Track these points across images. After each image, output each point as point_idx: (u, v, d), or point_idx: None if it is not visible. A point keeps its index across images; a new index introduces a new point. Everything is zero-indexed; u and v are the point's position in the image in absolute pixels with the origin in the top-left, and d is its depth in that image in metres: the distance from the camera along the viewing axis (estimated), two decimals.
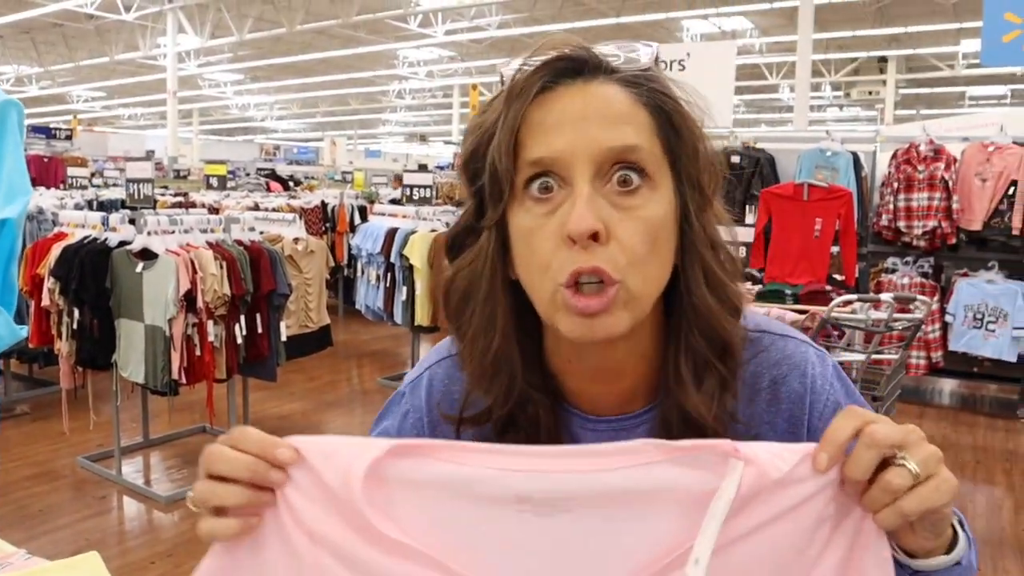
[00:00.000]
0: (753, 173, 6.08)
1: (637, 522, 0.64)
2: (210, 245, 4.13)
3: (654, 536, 0.64)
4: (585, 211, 0.69)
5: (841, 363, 3.84)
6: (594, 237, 0.69)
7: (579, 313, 0.71)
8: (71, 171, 9.79)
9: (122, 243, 4.14)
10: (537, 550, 0.64)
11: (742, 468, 0.62)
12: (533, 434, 0.80)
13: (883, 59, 18.35)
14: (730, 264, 0.79)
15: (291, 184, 13.86)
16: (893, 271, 5.95)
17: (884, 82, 18.74)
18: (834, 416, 0.65)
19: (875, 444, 0.61)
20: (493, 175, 0.73)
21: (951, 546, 0.68)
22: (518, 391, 0.79)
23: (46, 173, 10.69)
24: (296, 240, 5.33)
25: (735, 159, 6.09)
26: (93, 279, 4.04)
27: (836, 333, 4.67)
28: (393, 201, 8.58)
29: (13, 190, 0.64)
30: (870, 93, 18.84)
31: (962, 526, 0.70)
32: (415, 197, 6.71)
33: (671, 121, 0.75)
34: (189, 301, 3.90)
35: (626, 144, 0.71)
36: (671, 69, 6.57)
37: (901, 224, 5.78)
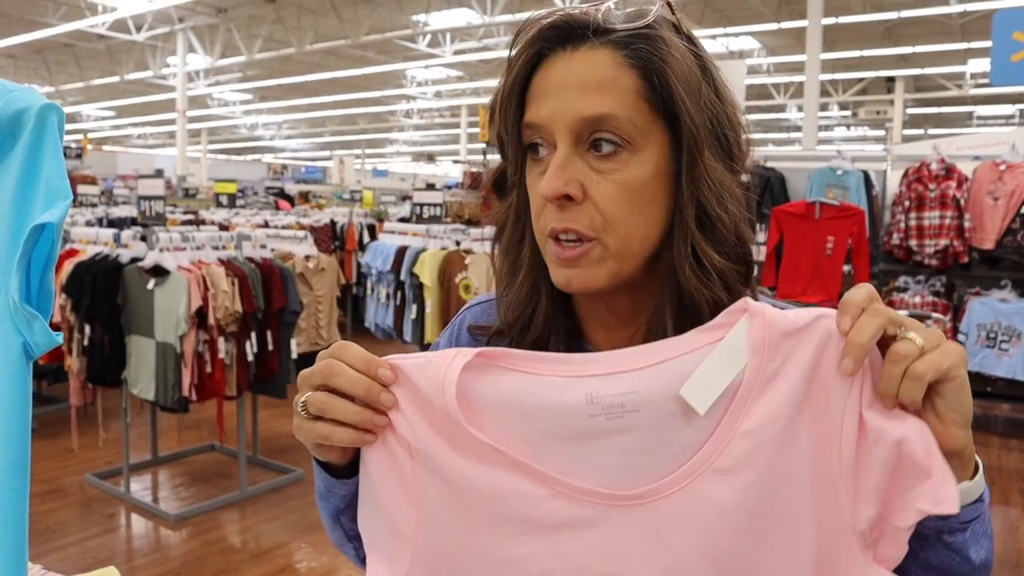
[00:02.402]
0: (763, 192, 6.07)
1: (692, 415, 0.70)
2: (222, 262, 4.13)
3: (709, 426, 0.70)
4: (553, 176, 0.74)
5: None
6: (568, 197, 0.75)
7: (560, 262, 0.78)
8: (81, 189, 9.83)
9: (134, 260, 4.14)
10: (610, 449, 0.71)
11: (747, 319, 0.69)
12: None
13: (891, 79, 18.39)
14: (724, 225, 0.78)
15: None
16: (905, 290, 5.92)
17: (892, 102, 18.76)
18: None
19: (879, 313, 0.66)
20: (499, 137, 0.82)
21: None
22: (539, 325, 0.85)
23: None
24: (307, 257, 5.33)
25: (744, 178, 6.07)
26: (105, 296, 4.05)
27: None
28: (402, 220, 8.59)
29: (53, 194, 0.63)
30: (878, 113, 18.86)
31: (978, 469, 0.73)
32: (425, 216, 6.72)
33: (663, 81, 0.74)
34: (200, 318, 3.90)
35: (599, 114, 0.74)
36: None
37: (913, 243, 5.75)
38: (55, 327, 4.18)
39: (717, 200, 0.78)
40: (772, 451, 0.69)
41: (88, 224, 6.76)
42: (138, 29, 16.45)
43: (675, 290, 0.78)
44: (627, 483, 0.71)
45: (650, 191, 0.76)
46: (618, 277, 0.78)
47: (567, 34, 0.76)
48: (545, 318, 0.85)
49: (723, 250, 0.79)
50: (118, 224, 7.20)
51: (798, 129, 20.84)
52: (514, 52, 0.78)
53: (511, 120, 0.79)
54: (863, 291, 0.68)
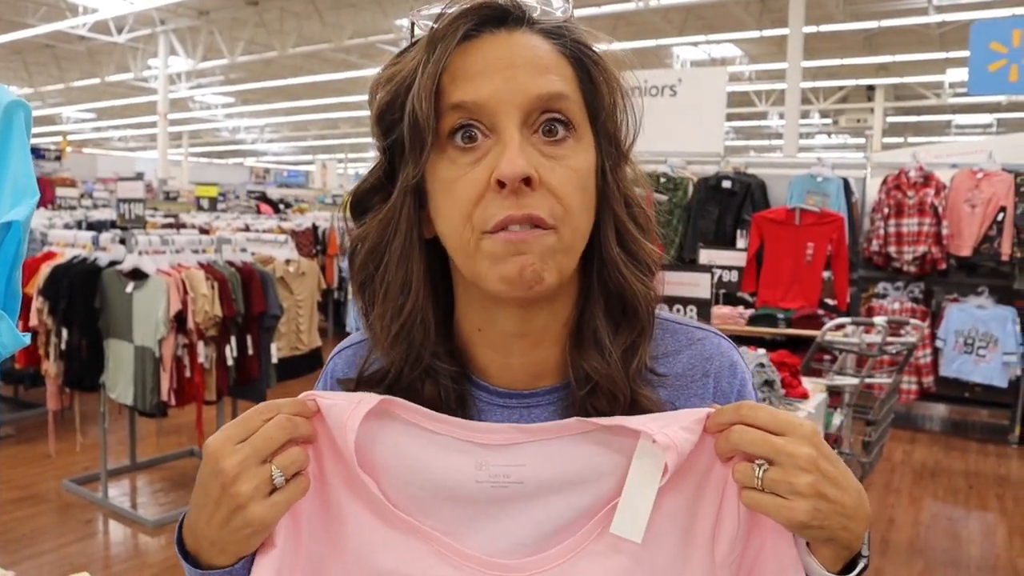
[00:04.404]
0: (744, 198, 6.10)
1: (576, 495, 0.70)
2: (201, 266, 4.10)
3: (591, 507, 0.71)
4: (516, 155, 0.67)
5: (834, 387, 3.84)
6: (526, 182, 0.67)
7: (508, 248, 0.68)
8: (60, 192, 9.76)
9: (112, 263, 4.10)
10: (495, 517, 0.71)
11: (663, 457, 0.66)
12: (435, 407, 0.74)
13: (871, 87, 18.53)
14: (644, 220, 0.78)
15: (281, 207, 13.84)
16: (884, 296, 5.97)
17: (872, 110, 18.92)
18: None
19: (744, 441, 0.66)
20: (413, 123, 0.70)
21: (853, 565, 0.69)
22: (426, 359, 0.76)
23: None
24: (288, 262, 5.31)
25: (726, 184, 6.11)
26: (82, 299, 4.01)
27: (828, 357, 4.67)
28: None
29: (19, 192, 0.62)
30: (858, 121, 19.01)
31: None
32: None
33: (590, 74, 0.74)
34: (179, 322, 3.87)
35: (554, 91, 0.70)
36: (663, 95, 6.61)
37: (892, 249, 5.80)
38: (32, 330, 4.14)
39: (641, 198, 0.78)
40: (648, 540, 0.68)
41: (67, 227, 6.69)
42: (119, 31, 16.31)
43: (604, 291, 0.76)
44: (507, 552, 0.71)
45: (590, 183, 0.73)
46: (563, 277, 0.71)
47: (503, 16, 0.72)
48: (433, 352, 0.76)
49: (650, 244, 0.78)
50: (97, 227, 7.13)
51: (779, 136, 20.98)
52: (438, 26, 0.70)
53: (430, 102, 0.69)
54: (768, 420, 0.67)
